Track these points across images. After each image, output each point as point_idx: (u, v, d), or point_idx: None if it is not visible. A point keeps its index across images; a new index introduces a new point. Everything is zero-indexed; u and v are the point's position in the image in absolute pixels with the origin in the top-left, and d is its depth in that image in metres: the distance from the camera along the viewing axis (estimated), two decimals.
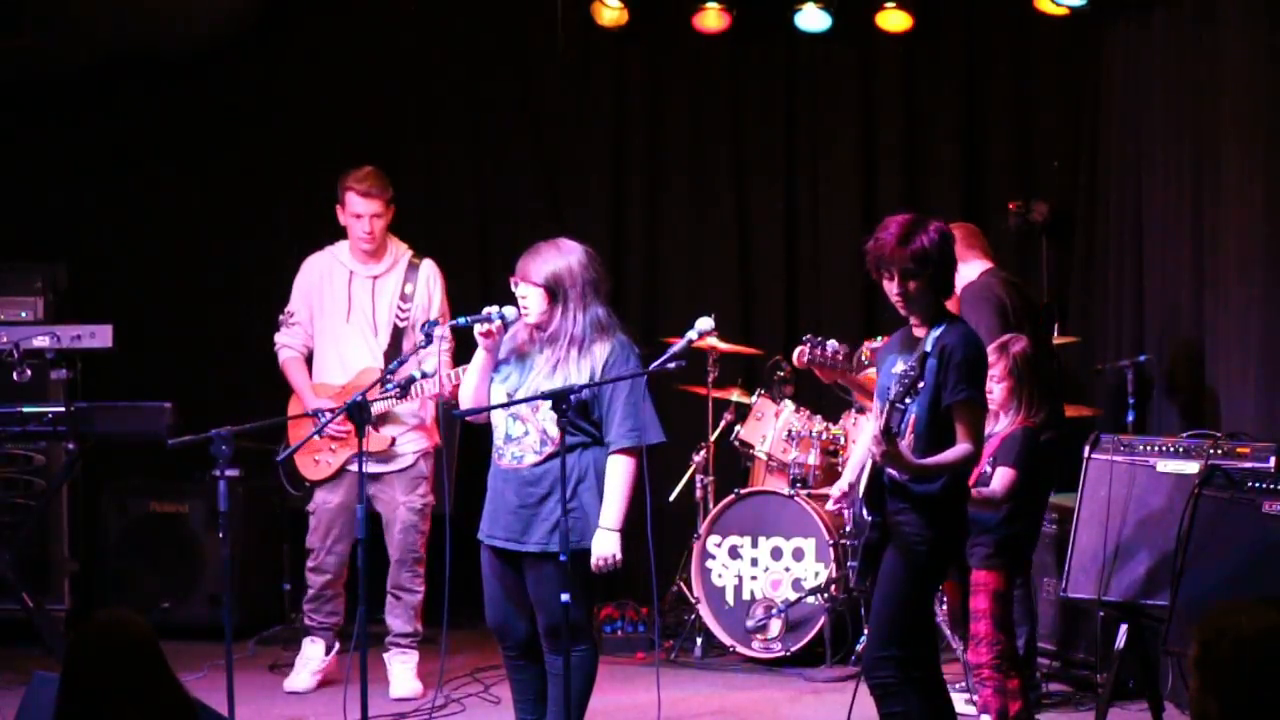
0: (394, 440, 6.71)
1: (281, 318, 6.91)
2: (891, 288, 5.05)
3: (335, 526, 6.81)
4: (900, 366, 5.00)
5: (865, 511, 5.00)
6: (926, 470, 4.91)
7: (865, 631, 7.11)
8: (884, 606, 5.03)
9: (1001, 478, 5.67)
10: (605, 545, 5.21)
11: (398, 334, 6.80)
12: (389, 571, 6.85)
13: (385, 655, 6.86)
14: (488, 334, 5.33)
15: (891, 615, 5.02)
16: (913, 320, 5.09)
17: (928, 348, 4.91)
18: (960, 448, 4.93)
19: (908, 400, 4.78)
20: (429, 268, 6.88)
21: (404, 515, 6.75)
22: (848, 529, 5.33)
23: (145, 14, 8.05)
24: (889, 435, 4.76)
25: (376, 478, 6.72)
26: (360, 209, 6.74)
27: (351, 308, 6.81)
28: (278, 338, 6.90)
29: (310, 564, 6.89)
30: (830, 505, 5.40)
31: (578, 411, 5.20)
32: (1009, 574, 5.82)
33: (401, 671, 6.75)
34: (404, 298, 6.81)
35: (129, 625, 3.48)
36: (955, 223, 6.71)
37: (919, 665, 5.06)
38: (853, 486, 5.22)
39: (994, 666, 5.75)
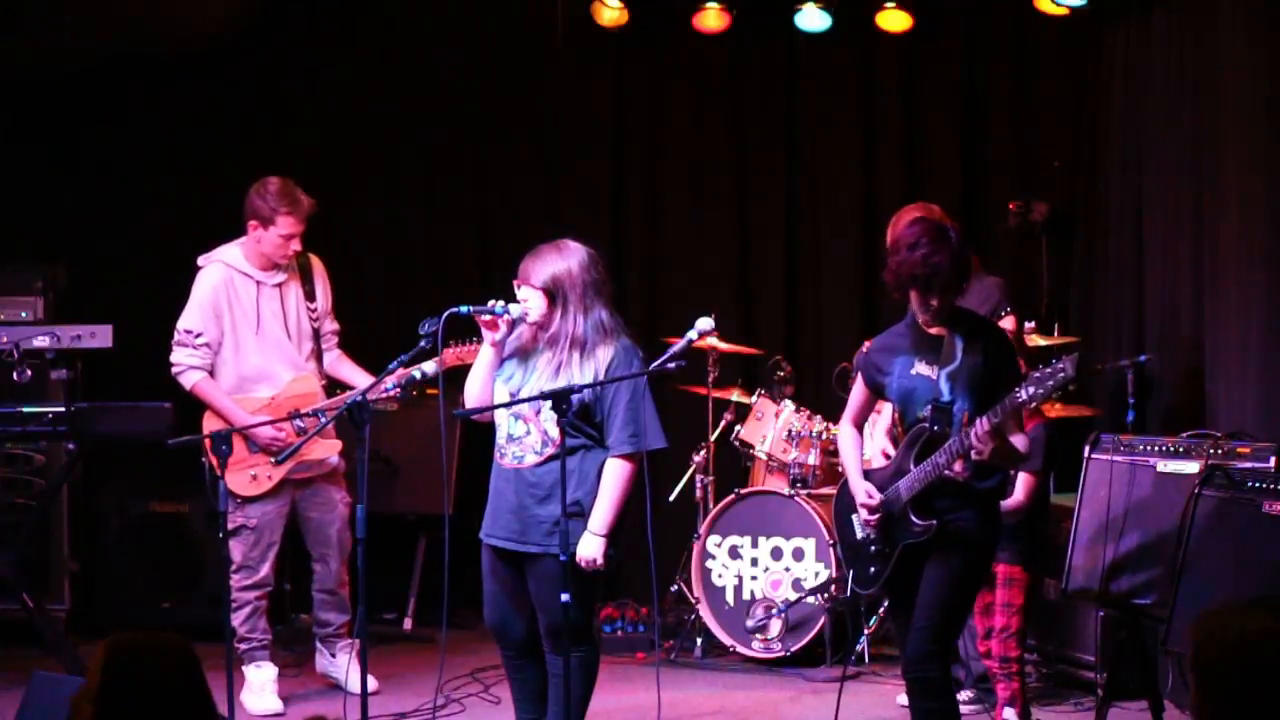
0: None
1: (180, 336, 6.70)
2: (930, 301, 4.99)
3: (270, 534, 6.72)
4: (921, 368, 4.99)
5: (914, 516, 4.99)
6: (1017, 458, 4.99)
7: (866, 631, 7.12)
8: (938, 604, 5.01)
9: (1024, 484, 5.79)
10: (588, 548, 5.21)
11: (315, 338, 6.81)
12: (319, 573, 6.84)
13: (336, 653, 6.86)
14: (490, 324, 5.31)
15: (945, 613, 5.02)
16: (924, 319, 5.06)
17: (961, 346, 4.94)
18: (1022, 438, 5.01)
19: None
20: (319, 264, 6.89)
21: (342, 512, 6.77)
22: (867, 534, 5.18)
23: (145, 15, 8.05)
24: (1000, 432, 4.81)
25: (309, 483, 6.76)
26: (293, 230, 6.67)
27: (261, 318, 6.72)
28: (180, 358, 6.69)
29: (246, 580, 6.68)
30: (866, 516, 5.17)
31: (579, 414, 5.19)
32: (1037, 571, 5.87)
33: (354, 664, 6.45)
34: (309, 298, 6.82)
35: (169, 651, 3.28)
36: (920, 204, 6.73)
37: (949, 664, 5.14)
38: (883, 493, 5.13)
39: (1019, 660, 5.79)
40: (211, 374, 6.71)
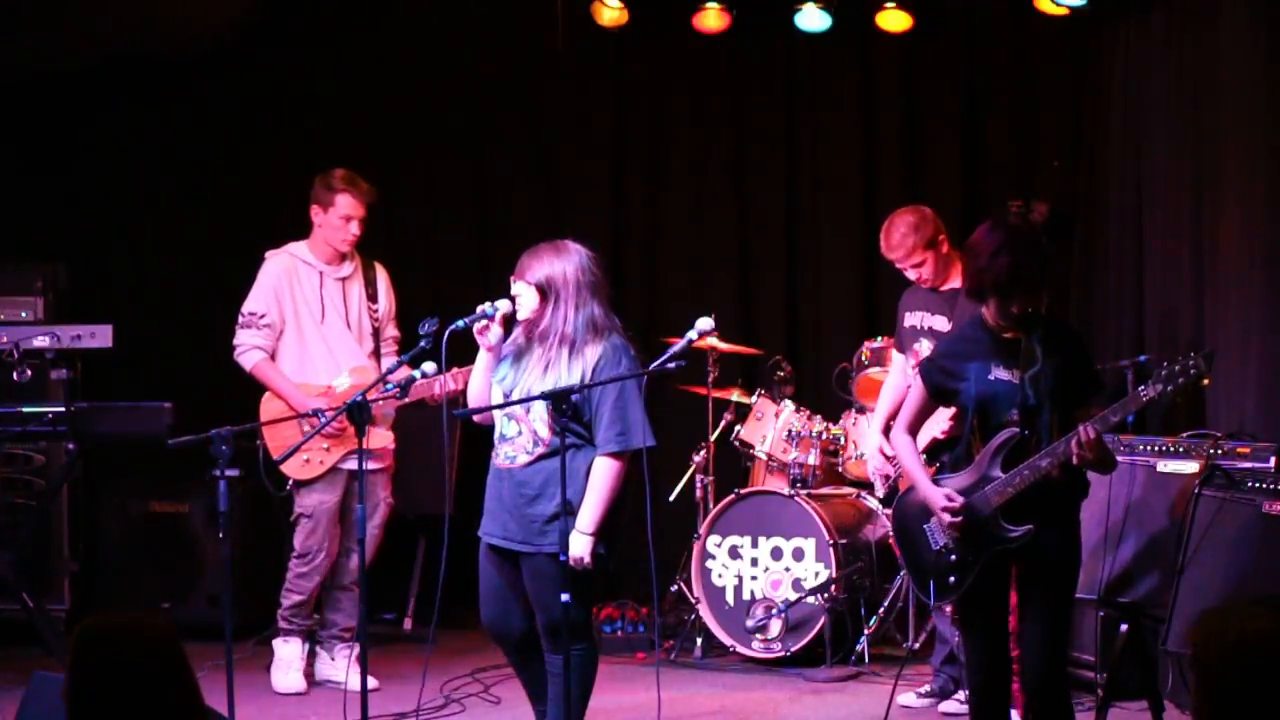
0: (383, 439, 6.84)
1: (245, 318, 6.84)
2: (1011, 308, 4.91)
3: (332, 526, 6.86)
4: (1001, 372, 4.91)
5: (1007, 524, 4.90)
6: (1113, 463, 4.97)
7: (866, 631, 7.10)
8: (1060, 616, 4.99)
9: None
10: (575, 547, 5.20)
11: (375, 337, 6.95)
12: (349, 565, 6.90)
13: (335, 655, 6.93)
14: (482, 330, 5.34)
15: (1066, 625, 5.02)
16: (1000, 324, 4.96)
17: (1040, 350, 4.89)
18: None
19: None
20: (384, 273, 7.07)
21: (384, 511, 6.91)
22: (944, 543, 5.03)
23: (145, 16, 8.05)
24: (1102, 443, 4.78)
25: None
26: (352, 212, 6.83)
27: (325, 309, 6.87)
28: (244, 338, 6.83)
29: (303, 568, 6.87)
30: (950, 520, 4.97)
31: (569, 414, 5.20)
32: None
33: (353, 665, 6.61)
34: (371, 299, 6.96)
35: (142, 632, 3.27)
36: (912, 207, 6.70)
37: None
38: (962, 495, 4.99)
39: (1018, 661, 5.78)
40: (273, 357, 6.84)
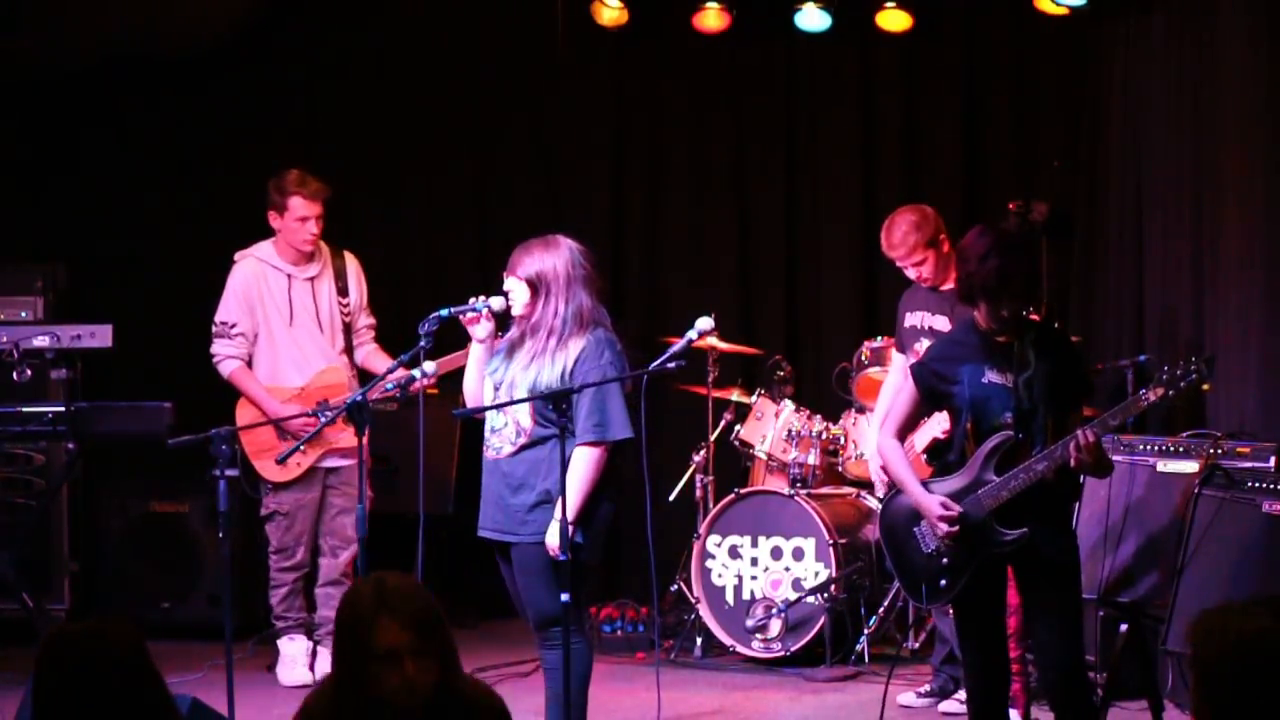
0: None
1: (218, 328, 6.95)
2: (1000, 312, 4.89)
3: (307, 521, 6.98)
4: (993, 376, 4.91)
5: (1001, 527, 4.89)
6: (1109, 467, 4.98)
7: (866, 631, 7.10)
8: (1073, 614, 4.97)
9: None
10: (552, 536, 5.21)
11: (347, 331, 7.02)
12: (325, 566, 7.01)
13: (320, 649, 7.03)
14: (472, 321, 5.38)
15: (1079, 622, 4.99)
16: (991, 328, 4.95)
17: (1033, 353, 4.89)
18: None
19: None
20: (354, 262, 7.13)
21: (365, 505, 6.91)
22: (936, 547, 5.00)
23: (145, 16, 8.05)
24: (1100, 447, 4.77)
25: (339, 471, 6.95)
26: (307, 212, 6.90)
27: (294, 311, 6.95)
28: (219, 348, 6.94)
29: (285, 563, 7.02)
30: (946, 529, 4.93)
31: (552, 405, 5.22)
32: None
33: None
34: (342, 293, 7.03)
35: (105, 641, 3.22)
36: (913, 206, 6.70)
37: None
38: (955, 499, 4.97)
39: (1020, 660, 5.78)
40: (249, 364, 6.93)
